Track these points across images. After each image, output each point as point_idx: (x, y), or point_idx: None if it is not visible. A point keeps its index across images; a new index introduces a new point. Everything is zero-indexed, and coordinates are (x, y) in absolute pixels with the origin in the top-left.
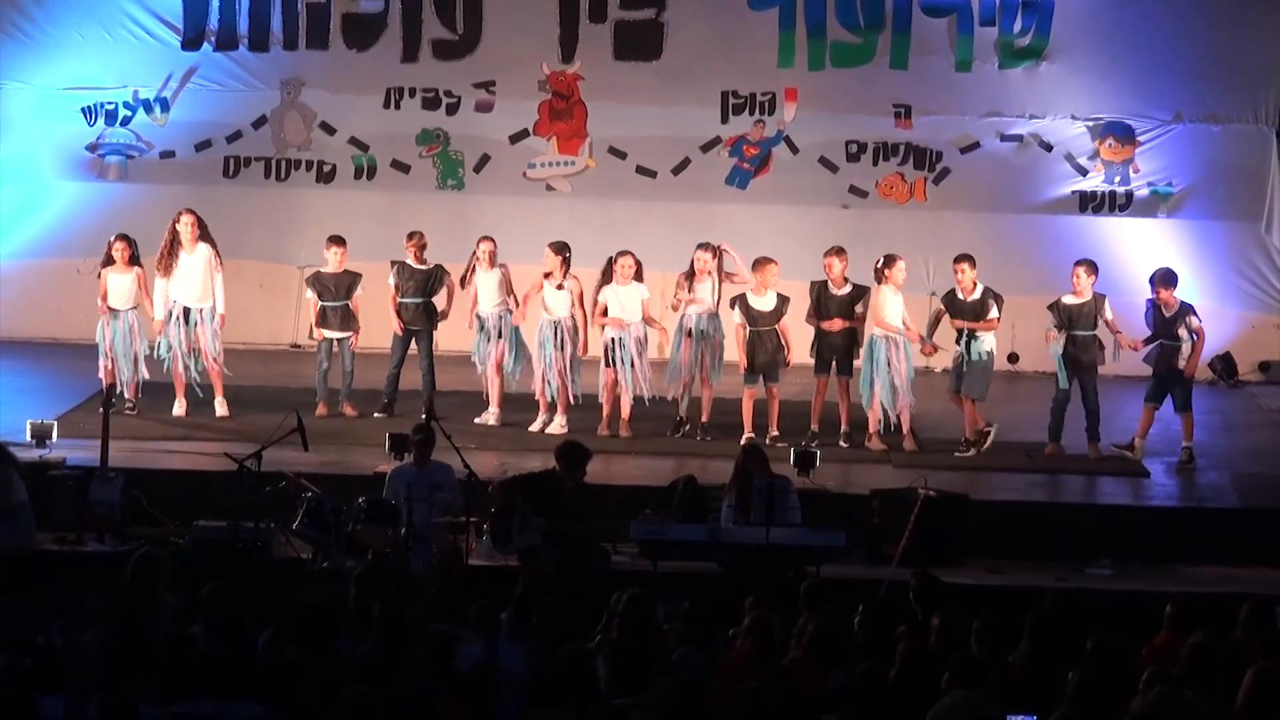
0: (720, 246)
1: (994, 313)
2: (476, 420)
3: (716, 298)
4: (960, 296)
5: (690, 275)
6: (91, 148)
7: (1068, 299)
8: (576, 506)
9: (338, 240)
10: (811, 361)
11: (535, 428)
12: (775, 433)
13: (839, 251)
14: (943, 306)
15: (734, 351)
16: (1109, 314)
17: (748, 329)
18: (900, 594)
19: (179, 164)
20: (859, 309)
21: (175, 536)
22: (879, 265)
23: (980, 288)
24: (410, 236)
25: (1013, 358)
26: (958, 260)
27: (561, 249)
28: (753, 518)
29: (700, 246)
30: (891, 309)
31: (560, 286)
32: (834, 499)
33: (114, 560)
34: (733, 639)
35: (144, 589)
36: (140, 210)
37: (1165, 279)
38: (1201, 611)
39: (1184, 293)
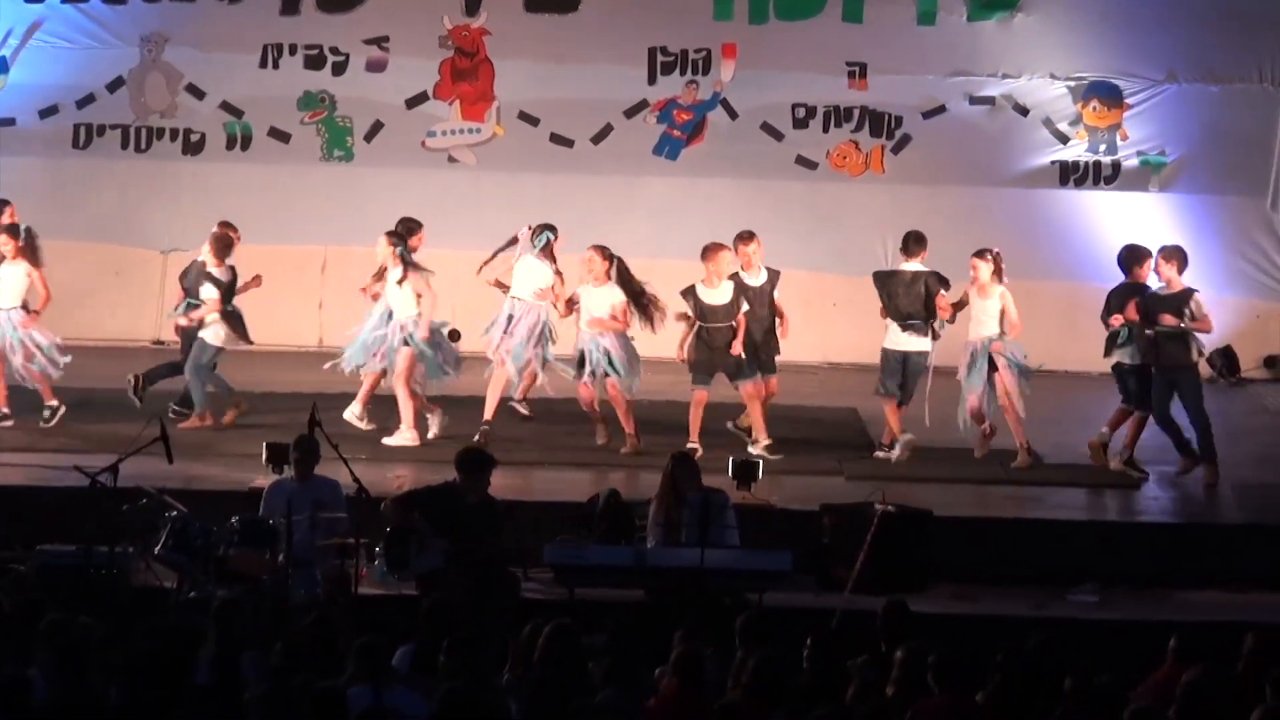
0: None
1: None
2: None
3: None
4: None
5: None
6: None
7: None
8: (482, 525)
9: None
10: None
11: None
12: (766, 440)
13: (749, 237)
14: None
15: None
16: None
17: (696, 325)
18: (855, 625)
19: (20, 133)
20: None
21: (14, 563)
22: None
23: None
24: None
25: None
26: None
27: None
28: (684, 538)
29: (595, 247)
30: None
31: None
32: (778, 516)
33: None
34: (659, 677)
35: None
36: None
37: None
38: (1199, 643)
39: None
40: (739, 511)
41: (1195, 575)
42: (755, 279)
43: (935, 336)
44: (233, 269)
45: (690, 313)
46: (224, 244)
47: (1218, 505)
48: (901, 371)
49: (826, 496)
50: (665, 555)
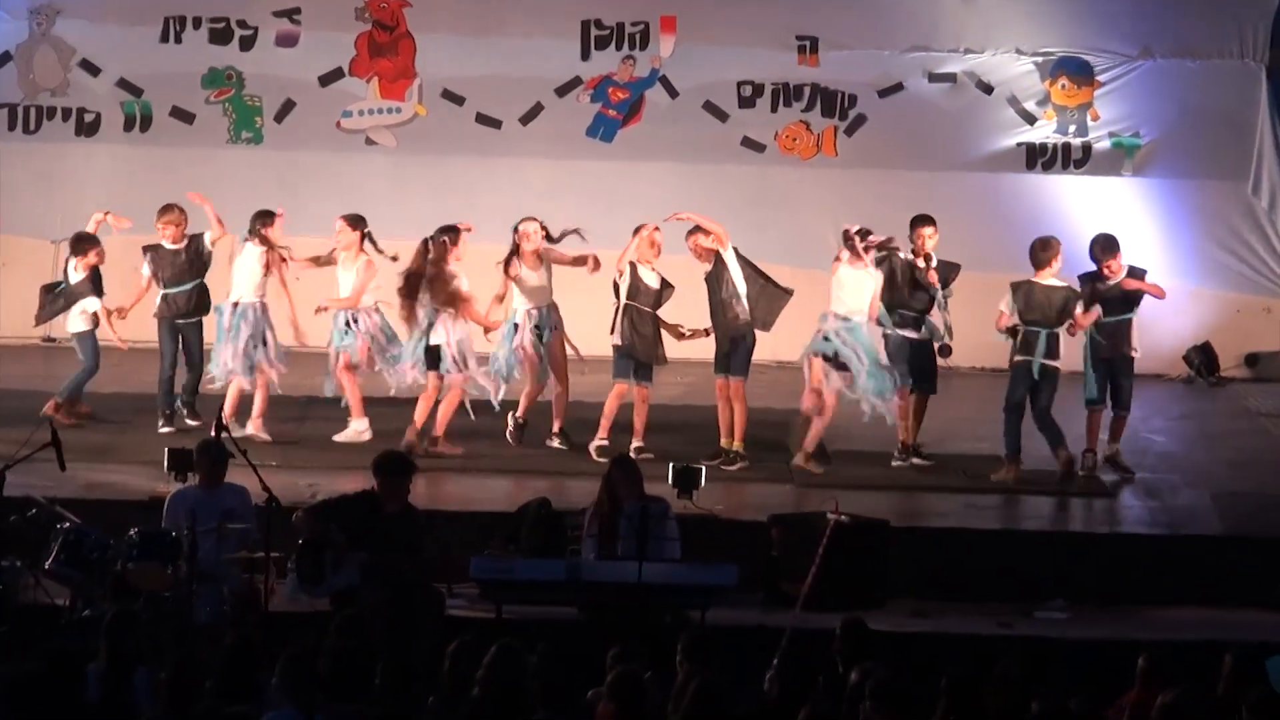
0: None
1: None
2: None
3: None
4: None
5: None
6: None
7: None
8: (403, 537)
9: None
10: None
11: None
12: (640, 443)
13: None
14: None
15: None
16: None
17: (623, 302)
18: (808, 645)
19: None
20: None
21: None
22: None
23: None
24: (163, 212)
25: (944, 351)
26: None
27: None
28: (621, 550)
29: (526, 219)
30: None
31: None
32: (723, 526)
33: None
34: (594, 701)
35: None
36: None
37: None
38: (1176, 663)
39: (1152, 269)
40: (680, 522)
41: (1171, 591)
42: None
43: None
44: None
45: (622, 289)
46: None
47: (1196, 516)
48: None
49: (775, 506)
50: (600, 569)
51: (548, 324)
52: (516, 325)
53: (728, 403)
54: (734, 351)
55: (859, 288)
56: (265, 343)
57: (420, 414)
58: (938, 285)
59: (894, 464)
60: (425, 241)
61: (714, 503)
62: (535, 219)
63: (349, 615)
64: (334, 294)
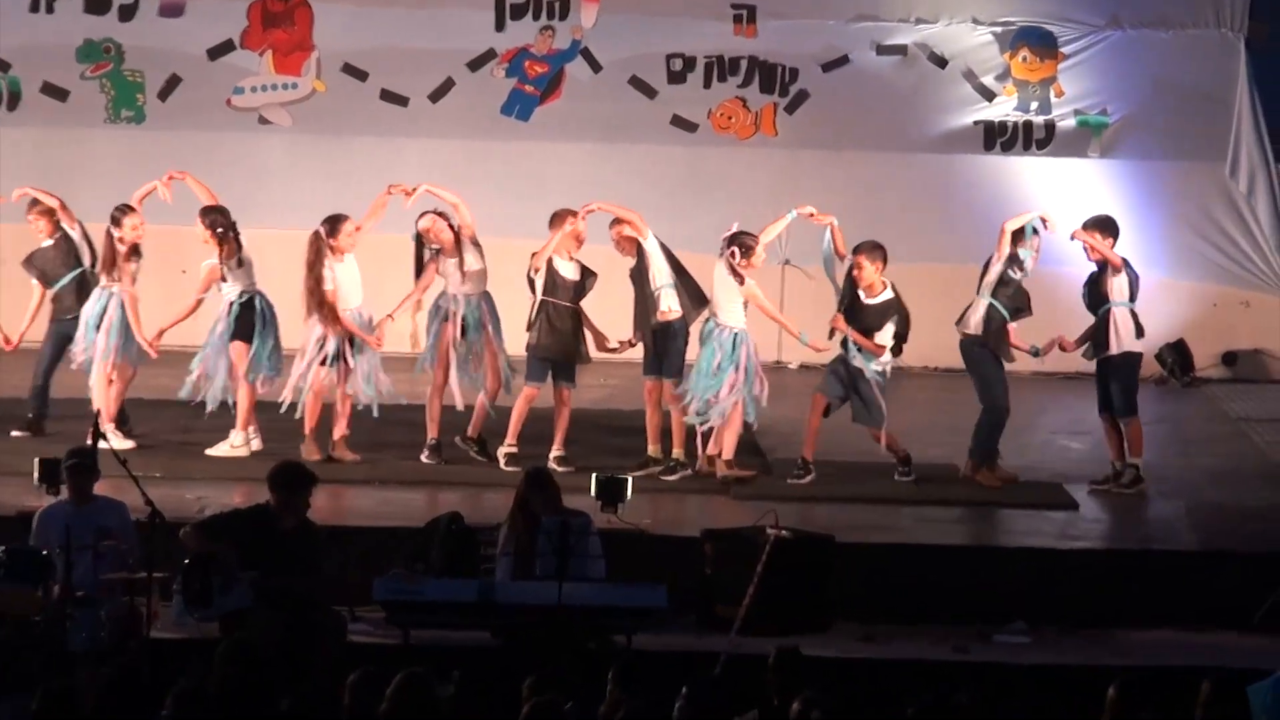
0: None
1: (886, 334)
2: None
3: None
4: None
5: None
6: None
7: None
8: (300, 555)
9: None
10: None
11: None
12: (560, 451)
13: (565, 215)
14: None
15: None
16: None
17: (539, 299)
18: (744, 671)
19: None
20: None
21: None
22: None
23: (889, 290)
24: (29, 207)
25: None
26: (858, 251)
27: None
28: (539, 569)
29: (430, 214)
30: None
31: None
32: (651, 543)
33: None
34: None
35: None
36: None
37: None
38: (1148, 691)
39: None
40: (605, 537)
41: (1143, 611)
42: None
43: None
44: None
45: (537, 283)
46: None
47: (1170, 529)
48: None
49: (709, 520)
50: (516, 590)
51: (473, 315)
52: (445, 316)
53: (657, 407)
54: (666, 351)
55: (725, 290)
56: (129, 338)
57: (309, 419)
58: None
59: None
60: (315, 233)
61: (641, 517)
62: (436, 213)
63: (238, 641)
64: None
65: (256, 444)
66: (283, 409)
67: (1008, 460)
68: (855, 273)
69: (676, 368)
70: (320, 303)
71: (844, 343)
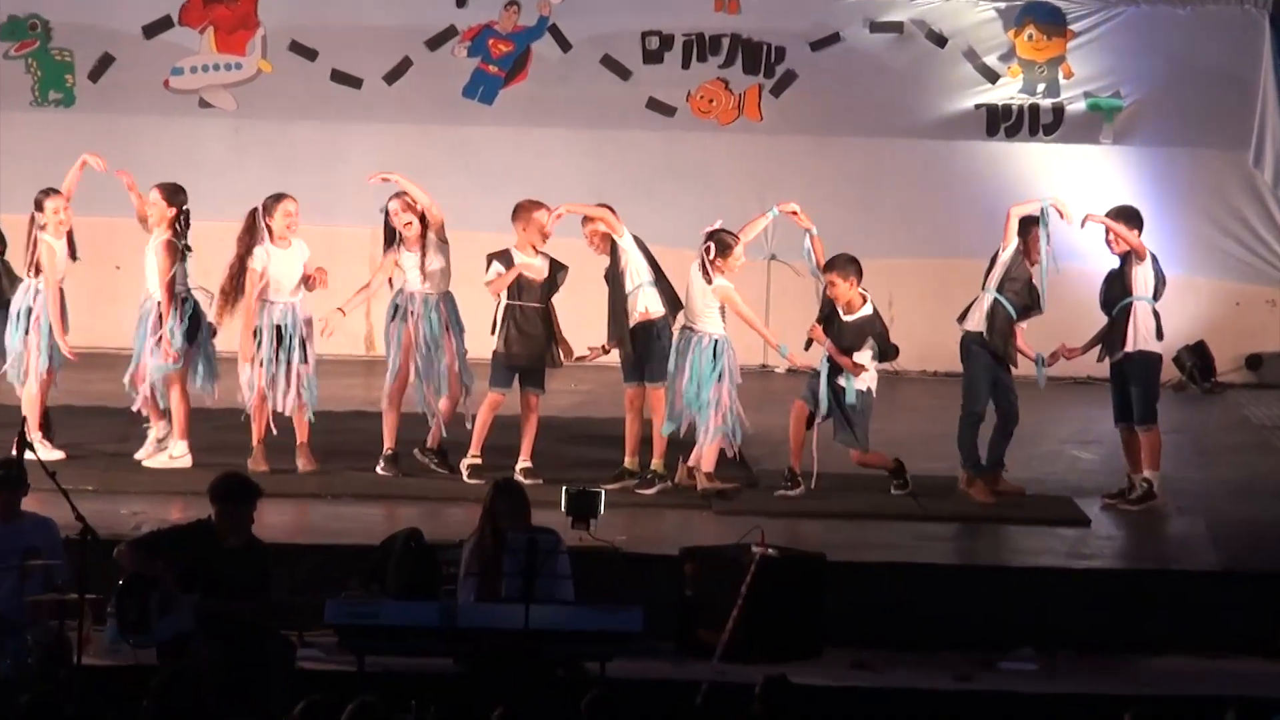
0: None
1: (865, 355)
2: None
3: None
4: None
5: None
6: None
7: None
8: (245, 575)
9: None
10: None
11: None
12: (527, 463)
13: (530, 206)
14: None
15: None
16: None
17: (503, 302)
18: (727, 702)
19: None
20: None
21: None
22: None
23: (868, 306)
24: None
25: (891, 351)
26: (829, 269)
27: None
28: (505, 590)
29: (396, 196)
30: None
31: None
32: (626, 562)
33: None
34: None
35: None
36: None
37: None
38: None
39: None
40: (575, 556)
41: (1160, 636)
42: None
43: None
44: None
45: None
46: None
47: (1189, 547)
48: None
49: (689, 537)
50: (480, 613)
51: (433, 316)
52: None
53: (639, 416)
54: (648, 354)
55: (702, 293)
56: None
57: (256, 427)
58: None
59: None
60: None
61: (615, 533)
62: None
63: (178, 669)
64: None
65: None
66: (245, 417)
67: (1013, 472)
68: (829, 291)
69: (661, 371)
70: (239, 286)
71: (827, 357)
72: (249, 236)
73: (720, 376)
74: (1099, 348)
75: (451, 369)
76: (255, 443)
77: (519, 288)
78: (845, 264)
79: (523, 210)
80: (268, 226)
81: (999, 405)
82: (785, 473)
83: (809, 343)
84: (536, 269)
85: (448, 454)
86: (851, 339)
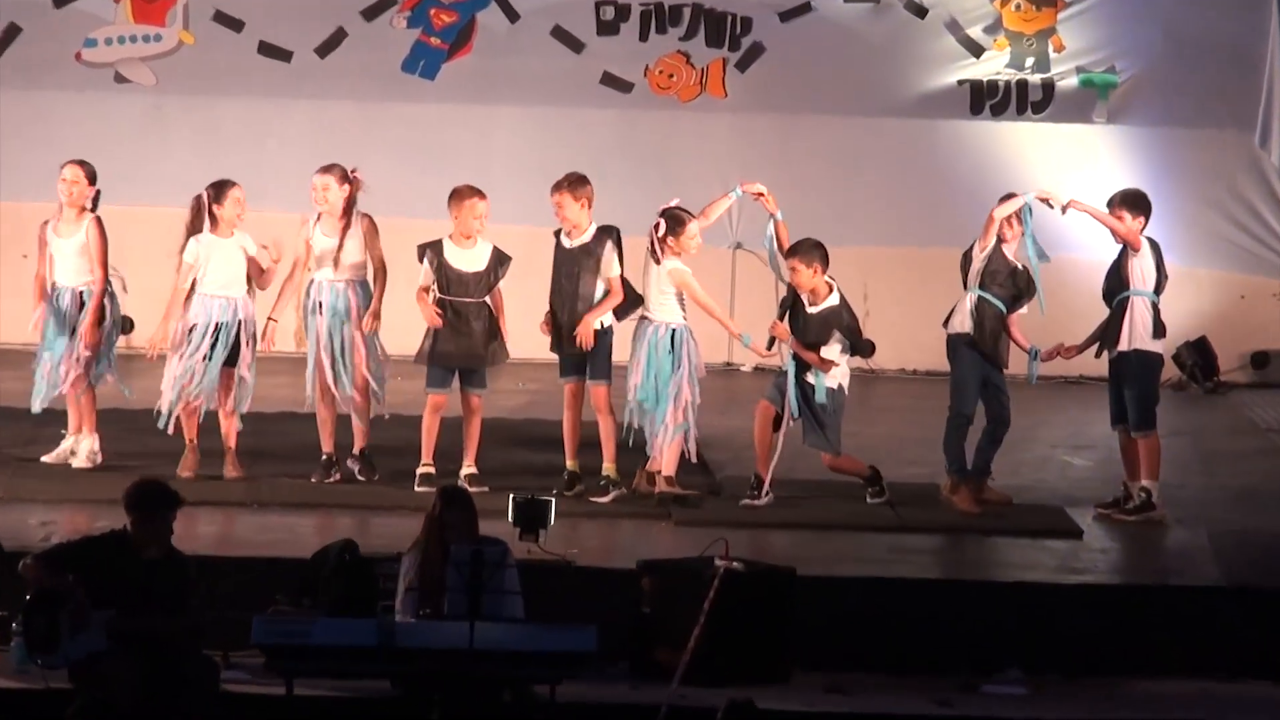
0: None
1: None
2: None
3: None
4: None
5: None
6: None
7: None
8: (164, 590)
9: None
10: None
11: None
12: (472, 469)
13: (467, 193)
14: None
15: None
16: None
17: (434, 295)
18: None
19: None
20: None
21: None
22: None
23: (834, 295)
24: None
25: (866, 348)
26: (791, 254)
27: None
28: (448, 607)
29: (325, 169)
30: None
31: None
32: (579, 576)
33: None
34: None
35: None
36: None
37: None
38: None
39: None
40: (524, 570)
41: (1159, 658)
42: (573, 240)
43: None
44: None
45: (429, 279)
46: None
47: (1190, 560)
48: None
49: (647, 549)
50: (421, 632)
51: (341, 306)
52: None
53: (577, 415)
54: (594, 349)
55: (654, 280)
56: None
57: (187, 428)
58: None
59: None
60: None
61: (568, 545)
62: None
63: (91, 694)
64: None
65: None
66: (162, 420)
67: (1000, 479)
68: (791, 278)
69: (603, 369)
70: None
71: (794, 354)
72: (194, 226)
73: (678, 367)
74: (1097, 344)
75: (358, 367)
76: (188, 445)
77: (448, 281)
78: (809, 249)
79: (458, 197)
80: (213, 215)
81: (989, 407)
82: (751, 480)
83: (771, 341)
84: (467, 260)
85: (373, 460)
86: (817, 332)
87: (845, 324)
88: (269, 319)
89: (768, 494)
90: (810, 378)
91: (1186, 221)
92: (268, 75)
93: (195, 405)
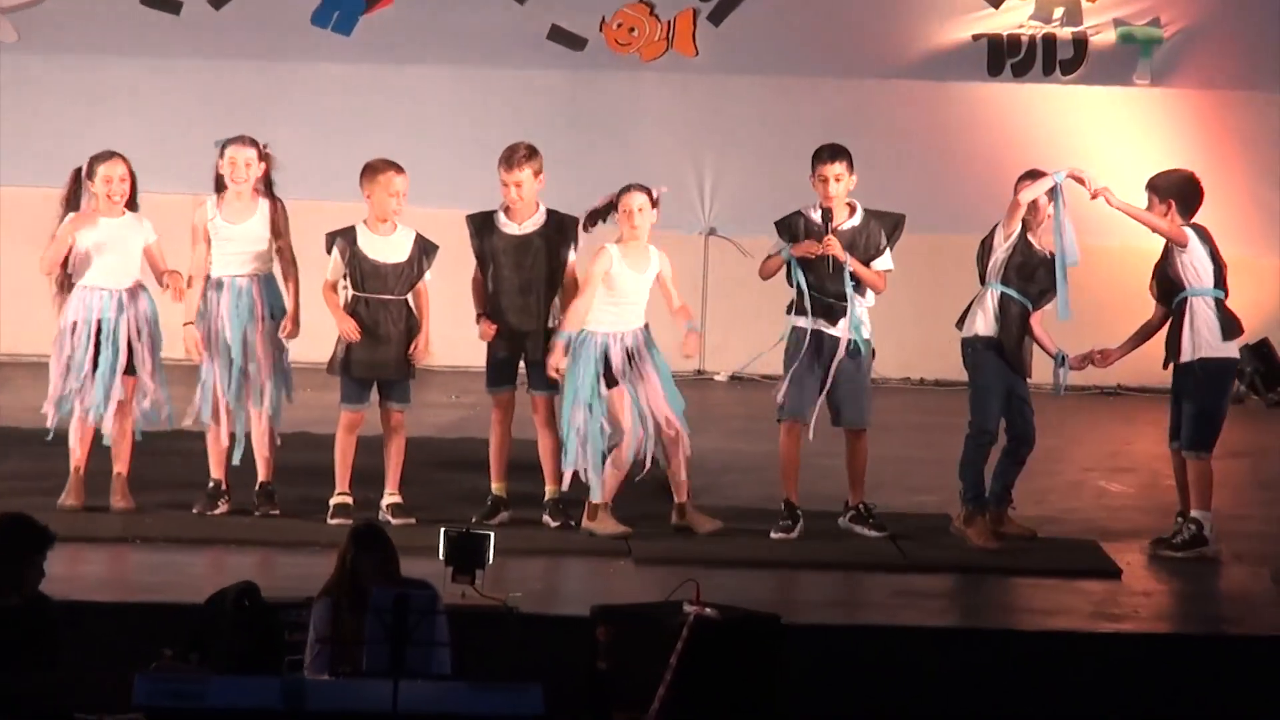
0: None
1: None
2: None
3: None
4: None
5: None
6: None
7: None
8: (28, 641)
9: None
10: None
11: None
12: (395, 497)
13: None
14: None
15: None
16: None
17: (348, 292)
18: None
19: None
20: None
21: None
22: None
23: (861, 212)
24: None
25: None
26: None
27: None
28: (367, 663)
29: (235, 141)
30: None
31: None
32: (521, 625)
33: None
34: None
35: None
36: None
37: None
38: None
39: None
40: (456, 618)
41: (1211, 716)
42: (521, 225)
43: None
44: None
45: (338, 273)
46: None
47: (1250, 606)
48: None
49: (604, 593)
50: (335, 691)
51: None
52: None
53: (508, 430)
54: (545, 354)
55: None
56: None
57: (80, 449)
58: (845, 258)
59: (839, 522)
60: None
61: (509, 588)
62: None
63: None
64: None
65: None
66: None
67: (1023, 509)
68: (833, 186)
69: (544, 379)
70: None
71: (806, 309)
72: (67, 204)
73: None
74: (1131, 349)
75: (263, 378)
76: (73, 472)
77: (363, 275)
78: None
79: (371, 172)
80: (90, 192)
81: (1010, 424)
82: (782, 508)
83: (831, 261)
84: (384, 250)
85: (273, 491)
86: (864, 247)
87: (891, 220)
88: (185, 324)
89: (800, 523)
90: (839, 329)
91: (1241, 200)
92: (153, 31)
93: (90, 426)
